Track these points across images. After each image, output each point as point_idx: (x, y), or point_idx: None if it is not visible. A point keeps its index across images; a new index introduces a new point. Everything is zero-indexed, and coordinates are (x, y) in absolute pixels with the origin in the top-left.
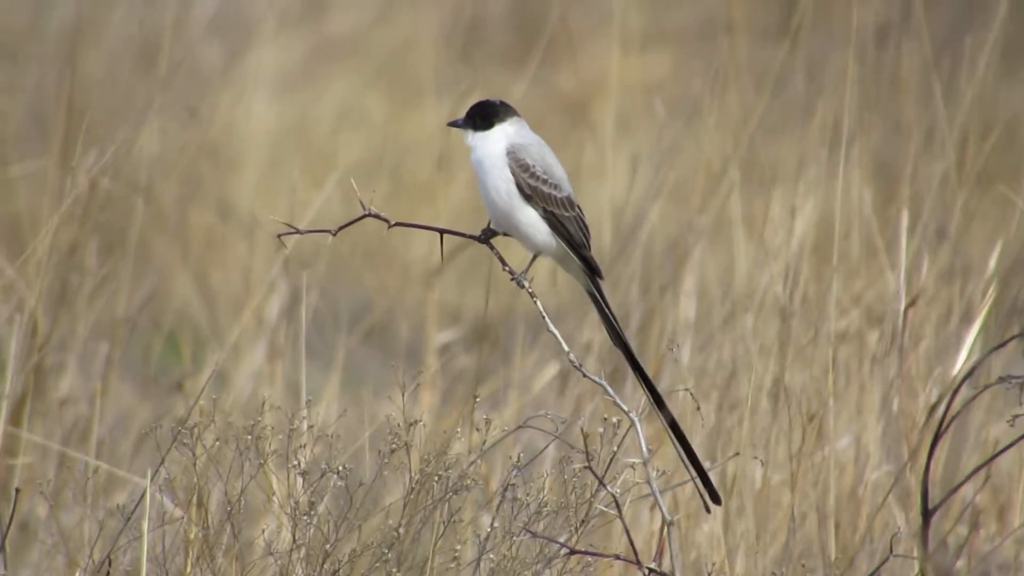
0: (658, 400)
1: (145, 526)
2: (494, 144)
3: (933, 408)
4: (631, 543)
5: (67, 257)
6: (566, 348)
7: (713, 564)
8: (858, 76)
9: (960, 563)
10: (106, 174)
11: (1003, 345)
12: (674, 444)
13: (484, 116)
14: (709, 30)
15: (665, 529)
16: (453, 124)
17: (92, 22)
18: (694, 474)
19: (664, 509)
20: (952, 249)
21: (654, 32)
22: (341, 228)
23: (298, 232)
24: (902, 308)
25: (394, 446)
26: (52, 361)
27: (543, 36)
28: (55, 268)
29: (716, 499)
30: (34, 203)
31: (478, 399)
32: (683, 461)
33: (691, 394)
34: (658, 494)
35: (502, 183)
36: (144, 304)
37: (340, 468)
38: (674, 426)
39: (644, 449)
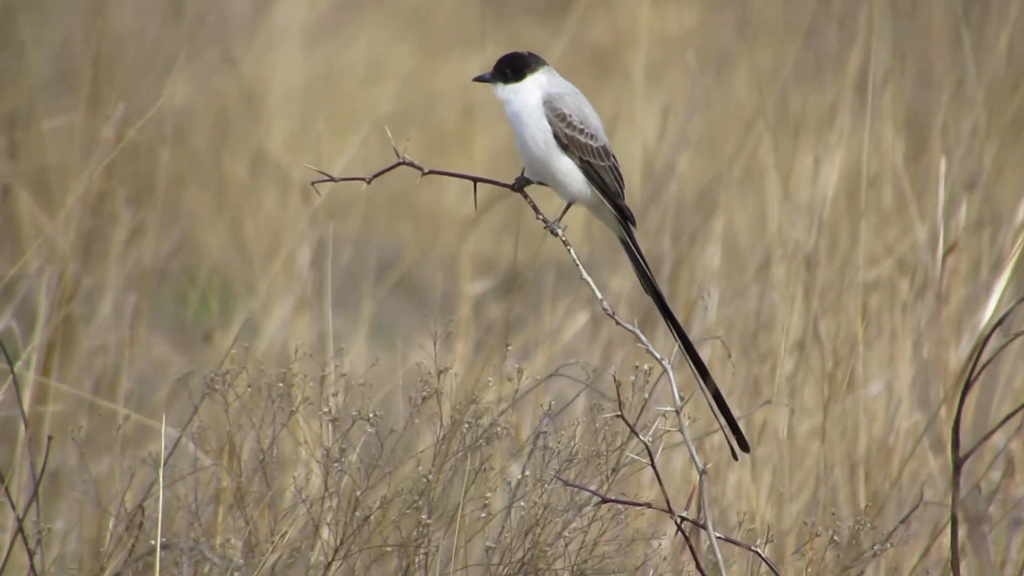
0: (689, 348)
1: (161, 473)
2: (529, 95)
3: (969, 357)
4: (663, 491)
5: (97, 208)
6: (599, 296)
7: (744, 513)
8: (889, 27)
9: (992, 509)
10: (135, 125)
11: None
12: (703, 391)
13: (515, 68)
14: None
15: (697, 478)
16: (480, 79)
17: None
18: (723, 422)
19: (696, 458)
20: (983, 198)
21: None
22: (376, 175)
23: (332, 180)
24: (940, 255)
25: (425, 393)
26: (82, 311)
27: None
28: (86, 219)
29: (745, 447)
30: (64, 155)
31: (509, 348)
32: (712, 409)
33: (722, 342)
34: (690, 443)
35: (539, 133)
36: (173, 254)
37: (371, 415)
38: (704, 373)
39: (676, 397)
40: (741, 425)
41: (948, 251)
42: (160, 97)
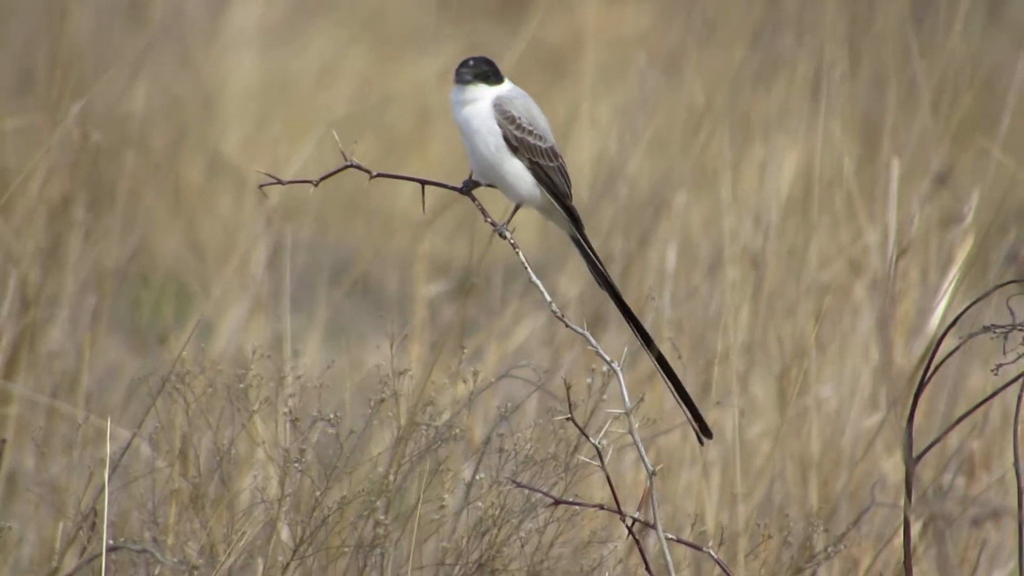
0: (647, 339)
1: (106, 474)
2: (479, 99)
3: (921, 359)
4: (613, 493)
5: (57, 210)
6: (548, 298)
7: (695, 515)
8: (841, 28)
9: (950, 508)
10: (94, 126)
11: (983, 298)
12: (664, 381)
13: (495, 72)
14: None
15: (648, 479)
16: (461, 80)
17: None
18: (686, 410)
19: (647, 460)
20: (933, 200)
21: None
22: (323, 178)
23: (280, 183)
24: (893, 257)
25: (383, 395)
26: (41, 314)
27: None
28: (44, 221)
29: (707, 433)
30: (23, 158)
31: (465, 351)
32: (675, 397)
33: (672, 344)
34: (641, 446)
35: (491, 136)
36: (131, 257)
37: (332, 416)
38: (663, 363)
39: (626, 399)
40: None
41: (901, 253)
42: (120, 99)
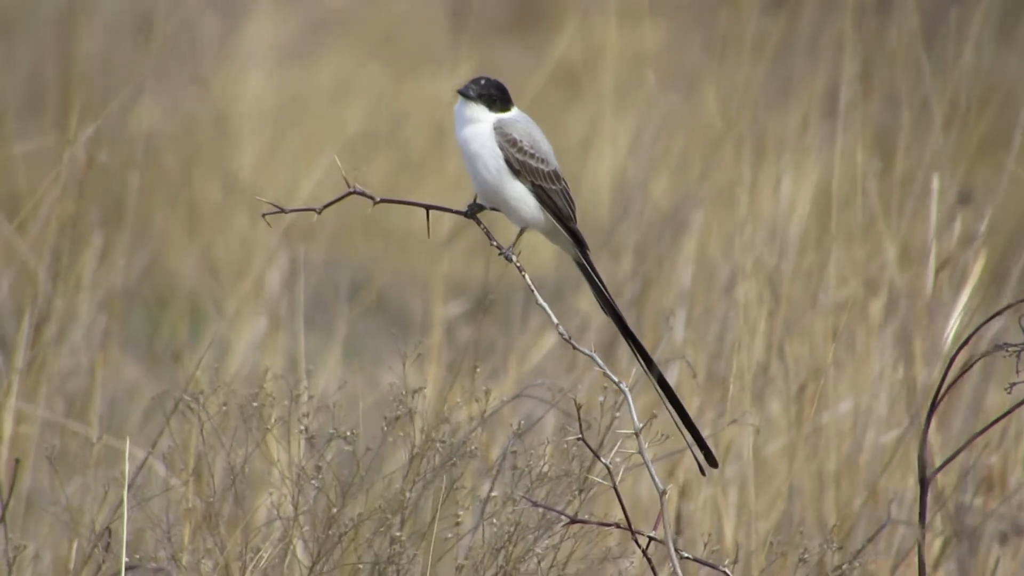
0: (651, 365)
1: (126, 494)
2: (480, 122)
3: (944, 376)
4: (624, 512)
5: (68, 230)
6: (555, 320)
7: (710, 535)
8: (855, 47)
9: (971, 524)
10: (104, 147)
11: (995, 316)
12: (668, 409)
13: (503, 98)
14: (706, 1)
15: (659, 499)
16: (466, 95)
17: None
18: (689, 439)
19: (656, 479)
20: (956, 218)
21: (652, 1)
22: (325, 207)
23: (283, 211)
24: (931, 272)
25: (399, 412)
26: (54, 333)
27: (540, 7)
28: (56, 241)
29: (712, 462)
30: (34, 179)
31: (478, 370)
32: (678, 426)
33: (687, 363)
34: (650, 465)
35: (491, 159)
36: (143, 276)
37: (348, 433)
38: (667, 390)
39: (635, 420)
40: (709, 444)
41: (940, 267)
42: (130, 119)
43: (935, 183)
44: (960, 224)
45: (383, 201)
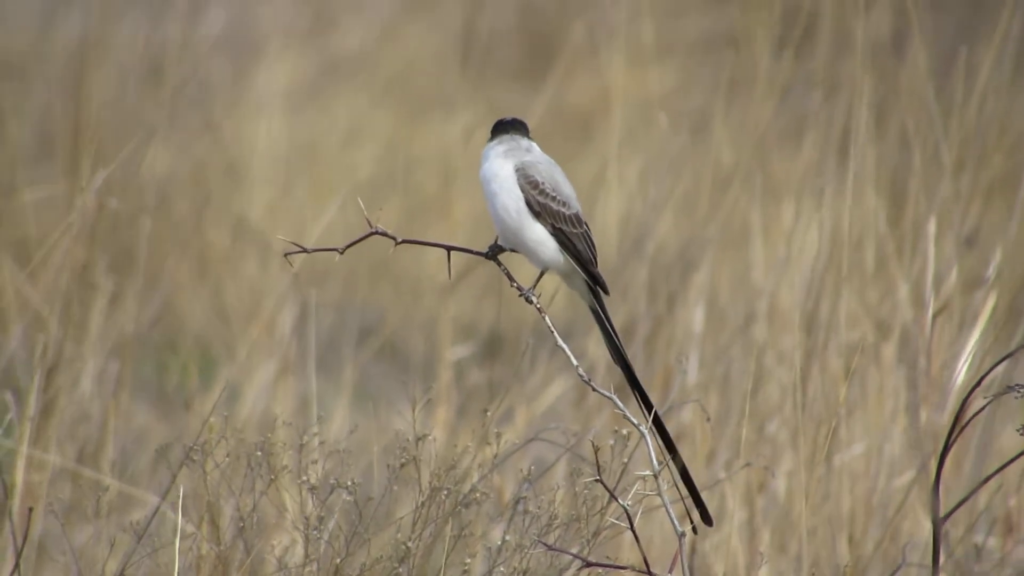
0: (656, 419)
1: (177, 543)
2: (503, 162)
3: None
4: (643, 555)
5: (79, 277)
6: (574, 362)
7: (725, 575)
8: (869, 88)
9: (984, 569)
10: (114, 193)
11: (1007, 358)
12: (668, 466)
13: (526, 129)
14: (715, 43)
15: (678, 541)
16: (503, 125)
17: (98, 41)
18: (686, 495)
19: (676, 521)
20: (962, 259)
21: (660, 44)
22: (348, 246)
23: (306, 251)
24: (929, 316)
25: (404, 460)
26: (64, 379)
27: (550, 51)
28: (67, 288)
29: (708, 520)
30: (45, 225)
31: (489, 413)
32: (676, 484)
33: (701, 406)
34: (669, 507)
35: (511, 201)
36: (154, 321)
37: (349, 483)
38: (671, 448)
39: (654, 462)
40: (726, 486)
41: (938, 311)
42: (141, 165)
43: (931, 227)
44: (961, 267)
45: (405, 242)
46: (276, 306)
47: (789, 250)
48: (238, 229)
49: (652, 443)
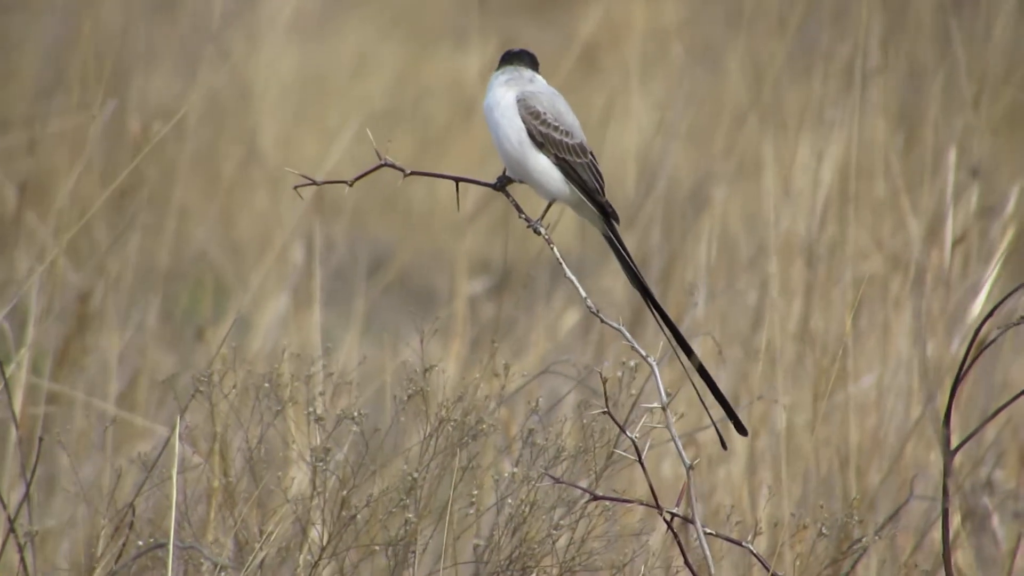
0: (679, 339)
1: (175, 473)
2: (505, 92)
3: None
4: (651, 487)
5: (89, 207)
6: (583, 294)
7: (732, 507)
8: (879, 20)
9: (989, 501)
10: (125, 121)
11: (1020, 288)
12: (693, 384)
13: (535, 63)
14: None
15: (686, 473)
16: (513, 56)
17: None
18: (714, 414)
19: (683, 454)
20: (970, 192)
21: None
22: (358, 178)
23: (315, 183)
24: (948, 246)
25: (411, 391)
26: (74, 310)
27: None
28: (76, 218)
29: (742, 431)
30: (56, 157)
31: (496, 345)
32: (702, 400)
33: (713, 339)
34: (677, 439)
35: (513, 131)
36: (166, 251)
37: (355, 415)
38: (696, 364)
39: (662, 394)
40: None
41: (957, 241)
42: (157, 95)
43: (951, 157)
44: (976, 197)
45: (413, 173)
46: (288, 238)
47: (806, 182)
48: (249, 159)
49: (661, 375)
